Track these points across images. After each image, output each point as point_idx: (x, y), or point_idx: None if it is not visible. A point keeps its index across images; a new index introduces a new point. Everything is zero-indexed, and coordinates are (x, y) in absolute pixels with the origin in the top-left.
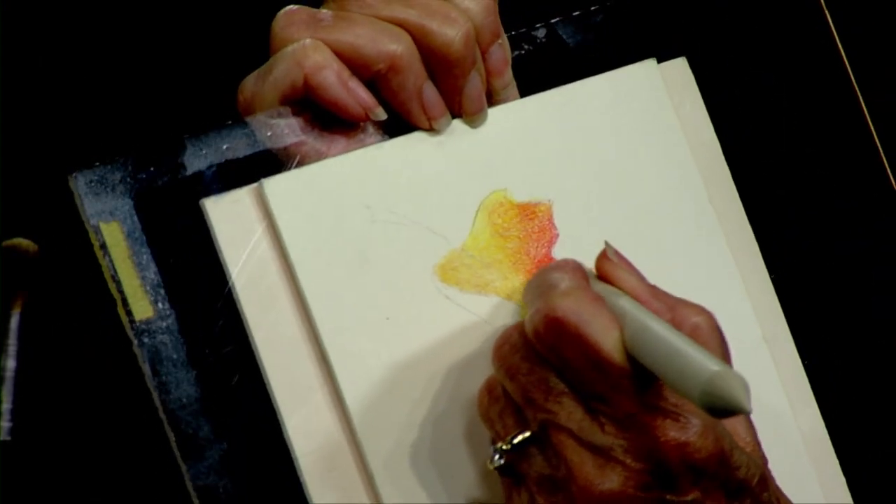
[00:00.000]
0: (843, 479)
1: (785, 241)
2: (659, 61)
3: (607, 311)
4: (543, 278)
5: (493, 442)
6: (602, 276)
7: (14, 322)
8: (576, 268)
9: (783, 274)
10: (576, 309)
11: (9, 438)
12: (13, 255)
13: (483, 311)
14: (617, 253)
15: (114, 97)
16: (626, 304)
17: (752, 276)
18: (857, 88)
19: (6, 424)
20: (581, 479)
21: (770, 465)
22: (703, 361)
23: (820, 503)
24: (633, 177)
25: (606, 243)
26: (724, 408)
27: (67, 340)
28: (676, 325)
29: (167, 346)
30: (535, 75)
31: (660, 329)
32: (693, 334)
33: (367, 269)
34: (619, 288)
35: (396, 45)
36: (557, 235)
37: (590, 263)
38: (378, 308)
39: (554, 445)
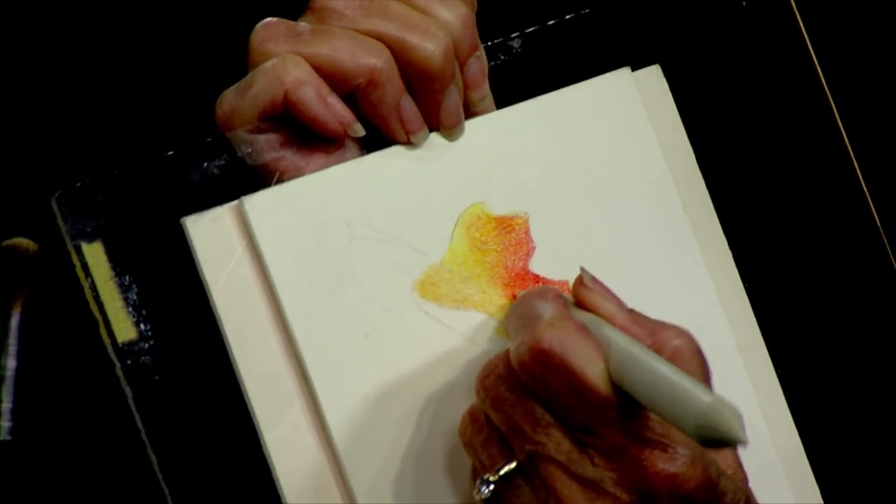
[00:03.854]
0: (816, 488)
1: (758, 250)
2: (633, 69)
3: (592, 341)
4: (526, 308)
5: (476, 471)
6: (580, 303)
7: (14, 322)
8: (557, 296)
9: (756, 283)
10: (561, 339)
11: (9, 438)
12: (13, 255)
13: (462, 326)
14: (593, 279)
15: (95, 113)
16: (610, 333)
17: (726, 284)
18: (829, 94)
19: (6, 424)
20: None
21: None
22: (694, 393)
23: None
24: (608, 186)
25: (582, 269)
26: (718, 439)
27: (67, 340)
28: (658, 349)
29: (150, 368)
30: (511, 85)
31: (647, 359)
32: (674, 358)
33: (348, 286)
34: (598, 314)
35: (375, 60)
36: (534, 248)
37: (566, 275)
38: (358, 325)
39: (543, 477)
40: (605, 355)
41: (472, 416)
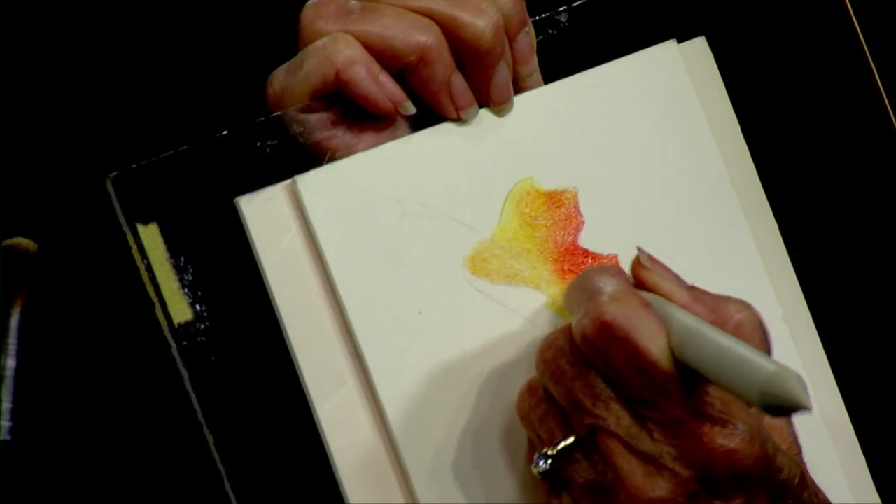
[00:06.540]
0: (862, 457)
1: (804, 221)
2: (678, 41)
3: (655, 316)
4: (588, 282)
5: (532, 444)
6: (639, 283)
7: (14, 321)
8: (619, 272)
9: (802, 253)
10: (625, 314)
11: (9, 438)
12: (13, 255)
13: (513, 301)
14: (651, 258)
15: (139, 95)
16: (671, 309)
17: (772, 255)
18: (874, 68)
19: (6, 424)
20: (630, 487)
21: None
22: (758, 362)
23: (840, 483)
24: (655, 159)
25: (639, 249)
26: (783, 406)
27: (67, 340)
28: (719, 323)
29: (206, 348)
30: (558, 60)
31: (709, 333)
32: (737, 331)
33: (399, 263)
34: (659, 293)
35: (426, 37)
36: (583, 222)
37: (615, 249)
38: (410, 303)
39: (602, 451)
40: (667, 330)
41: (531, 390)
